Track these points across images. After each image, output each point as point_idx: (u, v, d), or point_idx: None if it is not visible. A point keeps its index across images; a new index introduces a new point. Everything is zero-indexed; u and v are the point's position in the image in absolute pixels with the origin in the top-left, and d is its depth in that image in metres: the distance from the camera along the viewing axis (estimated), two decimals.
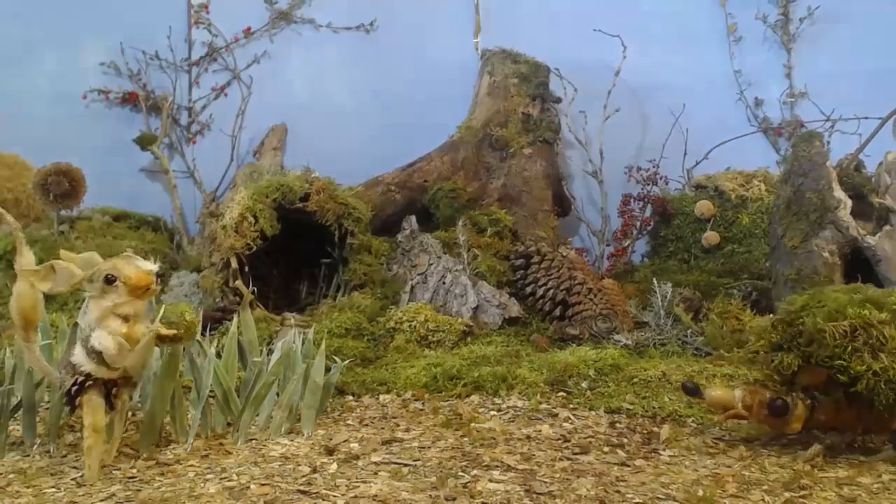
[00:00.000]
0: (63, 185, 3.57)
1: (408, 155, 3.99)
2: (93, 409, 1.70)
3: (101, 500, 1.56)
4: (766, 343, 1.91)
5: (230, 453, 1.87)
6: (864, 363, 1.73)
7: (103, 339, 1.68)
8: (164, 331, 1.72)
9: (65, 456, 1.86)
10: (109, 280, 1.68)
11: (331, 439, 1.97)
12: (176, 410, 1.94)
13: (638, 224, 4.08)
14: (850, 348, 1.75)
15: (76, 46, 4.58)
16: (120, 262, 1.71)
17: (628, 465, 1.80)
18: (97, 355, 1.69)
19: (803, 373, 1.83)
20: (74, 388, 1.70)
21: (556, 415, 2.21)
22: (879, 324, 1.75)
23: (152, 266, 1.73)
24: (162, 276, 1.73)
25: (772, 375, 1.90)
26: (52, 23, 4.46)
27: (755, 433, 2.01)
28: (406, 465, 1.78)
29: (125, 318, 1.70)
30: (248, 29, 4.58)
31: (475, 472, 1.73)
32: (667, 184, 4.15)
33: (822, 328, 1.78)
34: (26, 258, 1.72)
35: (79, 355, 1.71)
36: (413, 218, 3.64)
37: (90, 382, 1.70)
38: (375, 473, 1.72)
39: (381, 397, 2.41)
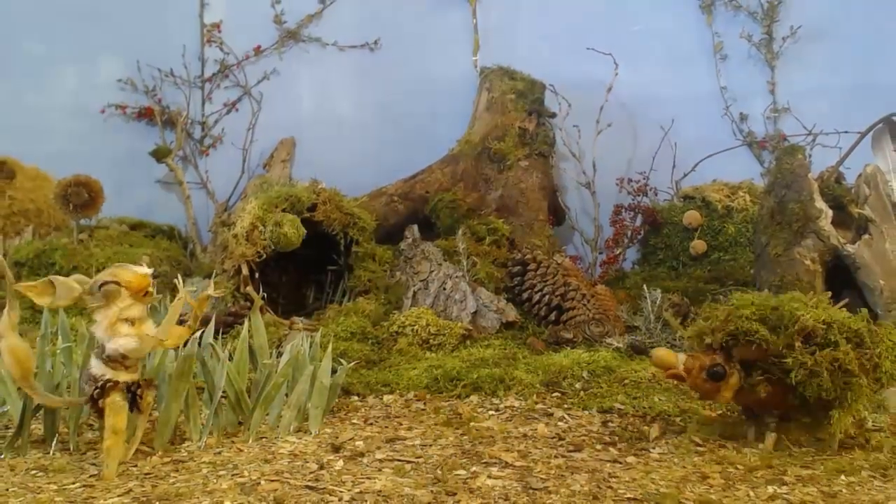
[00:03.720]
0: (82, 196, 3.58)
1: (410, 167, 4.01)
2: (115, 411, 1.70)
3: (119, 496, 1.57)
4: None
5: (241, 451, 1.88)
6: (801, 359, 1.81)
7: (122, 342, 1.69)
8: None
9: (84, 453, 1.87)
10: (107, 287, 1.69)
11: (337, 437, 1.98)
12: (190, 410, 1.95)
13: (629, 233, 4.09)
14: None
15: (95, 63, 4.61)
16: (117, 270, 1.72)
17: (620, 462, 1.81)
18: (115, 361, 1.70)
19: (739, 348, 1.88)
20: (96, 391, 1.71)
21: (552, 414, 2.21)
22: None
23: (146, 269, 1.75)
24: (157, 277, 1.75)
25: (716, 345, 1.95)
26: (72, 41, 4.49)
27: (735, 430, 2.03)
28: (409, 461, 1.78)
29: (131, 322, 1.72)
30: (259, 47, 4.60)
31: (474, 468, 1.73)
32: (656, 195, 4.16)
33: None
34: (13, 316, 1.68)
35: (96, 367, 1.73)
36: (415, 227, 3.65)
37: (111, 384, 1.70)
38: (379, 470, 1.72)
39: (385, 398, 2.41)
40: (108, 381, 1.70)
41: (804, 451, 1.89)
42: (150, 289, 1.74)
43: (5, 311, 1.69)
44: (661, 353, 2.00)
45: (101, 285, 1.69)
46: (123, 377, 1.72)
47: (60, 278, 1.69)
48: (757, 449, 1.90)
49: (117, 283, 1.70)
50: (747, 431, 1.98)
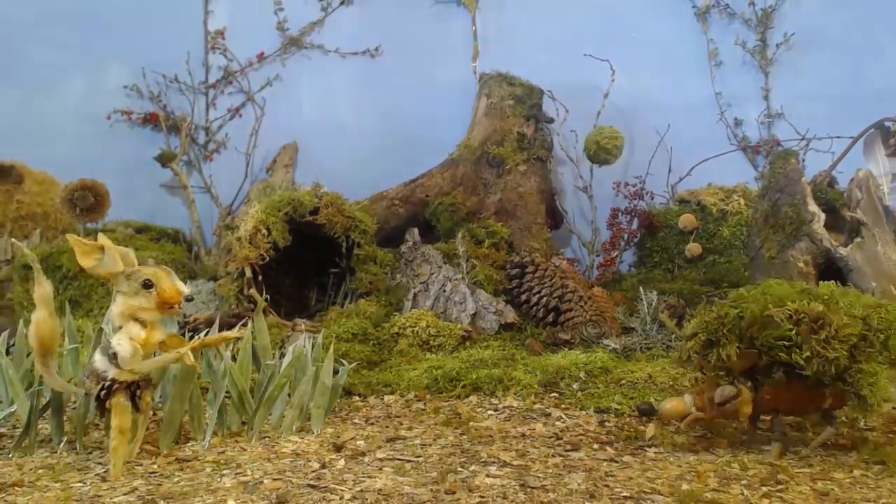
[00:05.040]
0: (89, 200, 3.59)
1: (410, 171, 4.01)
2: (121, 411, 1.70)
3: (124, 494, 1.57)
4: (697, 343, 1.88)
5: (244, 450, 1.88)
6: (811, 349, 1.75)
7: (122, 342, 1.69)
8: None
9: (90, 453, 1.87)
10: (147, 285, 1.70)
11: (339, 437, 1.98)
12: (194, 410, 1.95)
13: (625, 236, 4.09)
14: (795, 332, 1.76)
15: (101, 70, 4.61)
16: (161, 274, 1.73)
17: (616, 462, 1.81)
18: (116, 358, 1.70)
19: (737, 359, 1.83)
20: (103, 392, 1.71)
21: (549, 414, 2.22)
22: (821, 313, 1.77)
23: (186, 289, 1.76)
24: (190, 301, 1.75)
25: (711, 371, 1.87)
26: (79, 48, 4.49)
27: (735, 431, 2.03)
28: (409, 461, 1.78)
29: (143, 324, 1.72)
30: (262, 54, 4.61)
31: (473, 467, 1.74)
32: (652, 198, 4.17)
33: (769, 313, 1.78)
34: (45, 288, 1.70)
35: (100, 362, 1.73)
36: (415, 230, 3.65)
37: (117, 386, 1.71)
38: (380, 469, 1.72)
39: (386, 398, 2.42)
40: (114, 380, 1.70)
41: (797, 451, 1.89)
42: (177, 308, 1.75)
43: (37, 285, 1.69)
44: (669, 406, 1.91)
45: (144, 282, 1.70)
46: (125, 376, 1.72)
47: (114, 247, 1.70)
48: (760, 455, 1.87)
49: (152, 283, 1.71)
50: (772, 446, 1.87)
